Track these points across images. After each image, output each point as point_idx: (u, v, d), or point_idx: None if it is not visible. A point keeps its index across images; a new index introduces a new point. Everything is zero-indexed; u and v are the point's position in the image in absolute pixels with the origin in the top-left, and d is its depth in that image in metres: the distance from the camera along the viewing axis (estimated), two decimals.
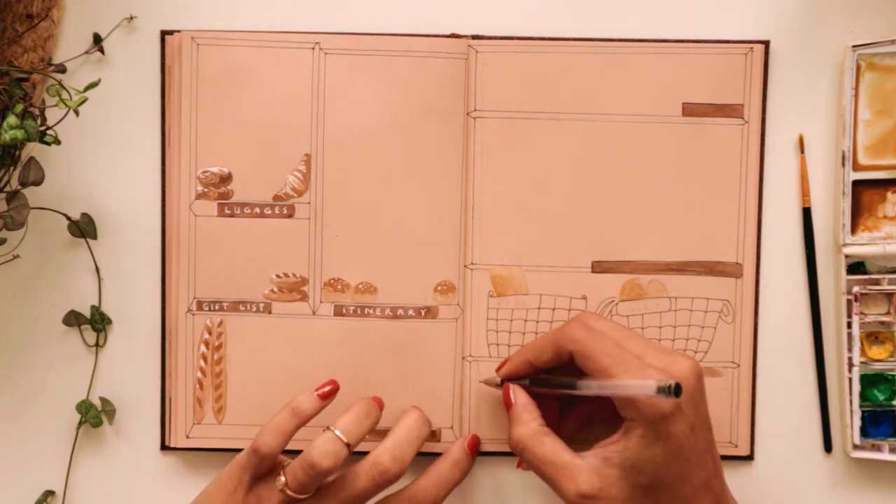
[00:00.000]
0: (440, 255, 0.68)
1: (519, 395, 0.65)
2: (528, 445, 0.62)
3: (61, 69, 0.68)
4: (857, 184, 0.68)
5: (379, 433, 0.66)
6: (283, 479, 0.62)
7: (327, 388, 0.64)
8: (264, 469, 0.63)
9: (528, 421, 0.63)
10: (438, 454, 0.67)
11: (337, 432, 0.62)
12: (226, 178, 0.68)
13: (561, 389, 0.63)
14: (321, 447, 0.61)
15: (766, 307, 0.69)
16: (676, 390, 0.55)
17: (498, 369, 0.68)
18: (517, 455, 0.64)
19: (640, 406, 0.59)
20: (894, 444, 0.68)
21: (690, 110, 0.68)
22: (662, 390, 0.56)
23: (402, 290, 0.68)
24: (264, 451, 0.62)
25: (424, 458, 0.67)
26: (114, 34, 0.69)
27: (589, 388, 0.61)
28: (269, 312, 0.69)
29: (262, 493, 0.63)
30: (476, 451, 0.68)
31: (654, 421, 0.59)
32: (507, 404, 0.65)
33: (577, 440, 0.64)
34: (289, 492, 0.62)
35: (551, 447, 0.62)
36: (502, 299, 0.69)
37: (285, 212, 0.68)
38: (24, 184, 0.65)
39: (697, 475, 0.60)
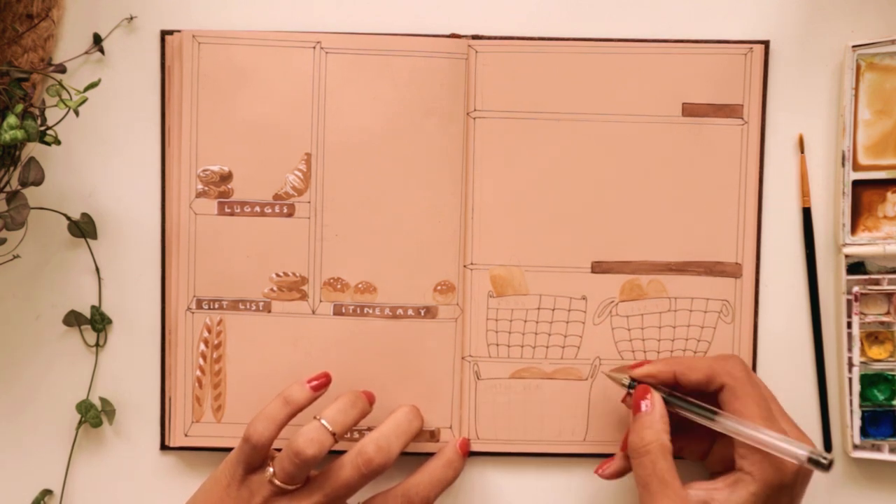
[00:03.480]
0: (440, 255, 0.68)
1: (658, 402, 0.63)
2: (652, 452, 0.61)
3: (61, 69, 0.68)
4: (857, 184, 0.68)
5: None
6: (271, 469, 0.63)
7: (319, 380, 0.65)
8: (257, 461, 0.63)
9: (661, 431, 0.62)
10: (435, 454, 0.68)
11: (323, 421, 0.62)
12: (226, 177, 0.68)
13: (696, 416, 0.63)
14: (306, 435, 0.62)
15: (766, 307, 0.69)
16: (829, 465, 0.55)
17: (633, 367, 0.66)
18: (633, 455, 0.62)
19: (766, 465, 0.59)
20: (894, 444, 0.68)
21: (690, 110, 0.68)
22: (814, 462, 0.56)
23: (402, 289, 0.68)
24: (255, 439, 0.62)
25: (421, 458, 0.68)
26: (114, 34, 0.69)
27: (731, 427, 0.61)
28: (269, 311, 0.69)
29: (254, 486, 0.63)
30: (468, 453, 0.69)
31: (772, 485, 0.60)
32: (638, 405, 0.63)
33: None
34: (277, 482, 0.62)
35: (671, 465, 0.61)
36: (502, 299, 0.69)
37: (285, 211, 0.68)
38: (24, 184, 0.66)
39: None
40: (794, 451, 0.58)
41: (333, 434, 0.62)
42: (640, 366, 0.66)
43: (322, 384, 0.65)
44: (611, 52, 0.68)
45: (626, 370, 0.66)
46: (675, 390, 0.64)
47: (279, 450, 0.64)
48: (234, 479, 0.63)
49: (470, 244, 0.69)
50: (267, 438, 0.63)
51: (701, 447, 0.66)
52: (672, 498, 0.60)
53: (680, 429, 0.64)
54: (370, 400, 0.67)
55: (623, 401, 0.66)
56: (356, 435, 0.68)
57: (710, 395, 0.63)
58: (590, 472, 0.67)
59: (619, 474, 0.66)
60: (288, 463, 0.62)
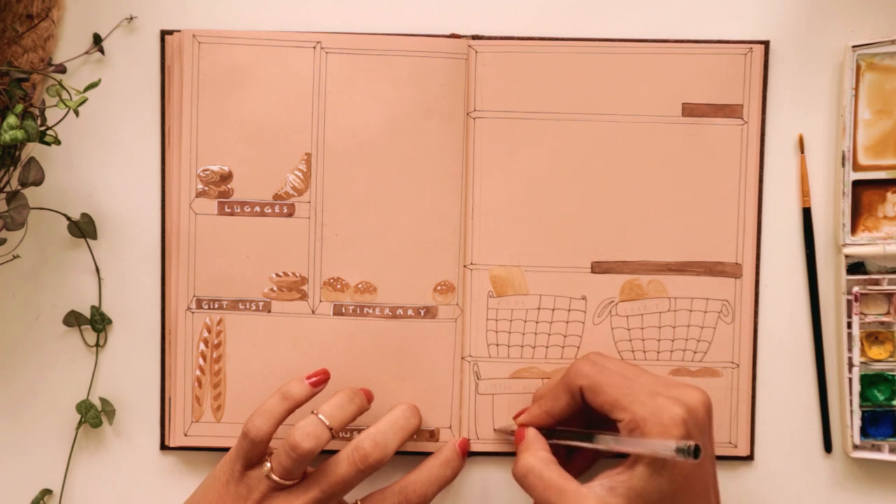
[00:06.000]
0: (440, 255, 0.68)
1: (530, 431, 0.65)
2: (534, 468, 0.61)
3: (61, 69, 0.68)
4: (857, 184, 0.68)
5: None
6: (268, 465, 0.63)
7: (318, 377, 0.65)
8: (255, 456, 0.63)
9: (537, 450, 0.63)
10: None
11: (320, 416, 0.63)
12: (226, 177, 0.68)
13: (579, 442, 0.63)
14: (303, 429, 0.62)
15: (766, 307, 0.69)
16: (696, 451, 0.55)
17: (515, 417, 0.68)
18: (521, 483, 0.62)
19: (648, 436, 0.59)
20: (894, 444, 0.68)
21: (690, 110, 0.68)
22: (682, 451, 0.55)
23: (402, 289, 0.68)
24: (253, 434, 0.62)
25: (421, 457, 0.68)
26: (114, 34, 0.69)
27: (606, 442, 0.61)
28: (269, 311, 0.69)
29: (252, 482, 0.63)
30: (467, 453, 0.69)
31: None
32: (518, 439, 0.65)
33: (583, 478, 0.63)
34: (275, 477, 0.62)
35: (558, 472, 0.61)
36: (502, 299, 0.69)
37: (285, 211, 0.68)
38: (24, 184, 0.66)
39: None
40: (659, 447, 0.57)
41: (330, 429, 0.62)
42: (520, 414, 0.67)
43: (321, 380, 0.65)
44: (610, 52, 0.68)
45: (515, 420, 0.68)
46: (564, 422, 0.65)
47: None
48: (232, 475, 0.63)
49: (470, 244, 0.69)
50: (265, 433, 0.63)
51: (608, 451, 0.66)
52: (573, 499, 0.59)
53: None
54: (368, 397, 0.67)
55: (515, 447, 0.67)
56: (354, 434, 0.68)
57: (595, 410, 0.63)
58: (590, 472, 0.67)
59: None
60: (285, 457, 0.62)
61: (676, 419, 0.59)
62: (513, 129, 0.68)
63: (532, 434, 0.65)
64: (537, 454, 0.63)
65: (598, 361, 0.63)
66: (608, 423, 0.62)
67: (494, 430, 0.70)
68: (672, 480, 0.59)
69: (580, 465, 0.68)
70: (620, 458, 0.61)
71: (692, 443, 0.55)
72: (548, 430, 0.65)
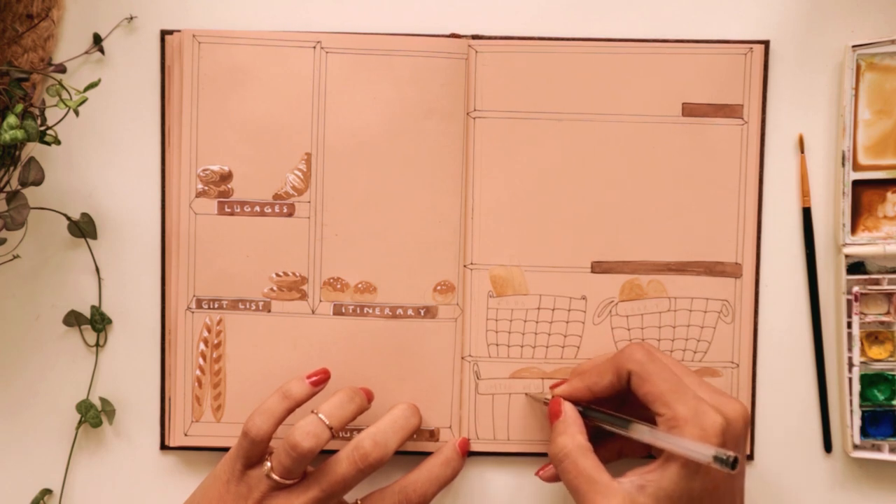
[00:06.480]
0: (440, 255, 0.68)
1: (569, 408, 0.64)
2: (571, 454, 0.62)
3: (61, 69, 0.68)
4: (857, 184, 0.68)
5: None
6: (269, 464, 0.63)
7: (318, 376, 0.65)
8: (255, 455, 0.63)
9: (575, 433, 0.63)
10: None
11: (320, 415, 0.63)
12: (226, 177, 0.68)
13: (612, 426, 0.63)
14: (303, 428, 0.62)
15: (766, 307, 0.69)
16: (734, 463, 0.55)
17: (553, 387, 0.68)
18: (556, 465, 0.63)
19: (685, 438, 0.59)
20: (894, 444, 0.68)
21: (690, 110, 0.68)
22: (720, 460, 0.55)
23: (402, 289, 0.68)
24: (254, 433, 0.62)
25: (421, 457, 0.68)
26: (114, 34, 0.69)
27: (642, 433, 0.61)
28: (269, 311, 0.69)
29: (252, 481, 0.63)
30: (467, 452, 0.69)
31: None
32: (555, 414, 0.65)
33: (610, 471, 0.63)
34: (275, 476, 0.62)
35: (593, 462, 0.61)
36: (502, 299, 0.69)
37: (285, 211, 0.68)
38: (24, 184, 0.66)
39: None
40: (697, 451, 0.57)
41: (330, 428, 0.62)
42: (558, 385, 0.67)
43: (321, 380, 0.65)
44: (611, 52, 0.68)
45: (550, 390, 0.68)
46: (596, 402, 0.65)
47: None
48: (233, 474, 0.63)
49: (470, 244, 0.69)
50: (265, 432, 0.63)
51: (634, 450, 0.66)
52: (603, 493, 0.59)
53: (604, 437, 0.65)
54: (368, 397, 0.67)
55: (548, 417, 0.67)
56: (354, 433, 0.68)
57: (634, 399, 0.63)
58: (556, 482, 0.67)
59: (557, 477, 0.65)
60: (285, 456, 0.62)
61: (717, 427, 0.59)
62: (513, 129, 0.68)
63: (571, 414, 0.64)
64: (575, 438, 0.62)
65: (651, 351, 0.63)
66: (638, 414, 0.62)
67: (526, 394, 0.69)
68: (702, 487, 0.59)
69: (603, 456, 0.67)
70: (644, 462, 0.61)
71: (732, 453, 0.55)
72: (583, 408, 0.65)
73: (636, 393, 0.62)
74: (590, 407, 0.65)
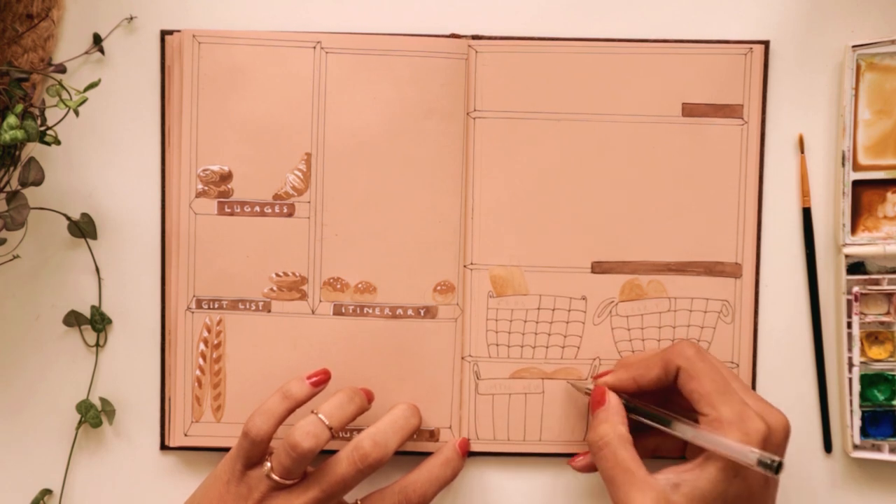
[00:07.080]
0: (440, 255, 0.68)
1: (613, 398, 0.64)
2: (611, 443, 0.62)
3: (61, 69, 0.68)
4: (857, 184, 0.68)
5: None
6: (269, 464, 0.63)
7: (318, 376, 0.65)
8: (256, 456, 0.63)
9: (617, 423, 0.63)
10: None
11: (320, 415, 0.63)
12: (226, 177, 0.68)
13: (654, 421, 0.63)
14: (303, 428, 0.62)
15: (766, 307, 0.69)
16: (778, 467, 0.55)
17: (597, 377, 0.68)
18: (594, 452, 0.63)
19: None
20: (894, 444, 0.68)
21: (690, 110, 0.68)
22: (764, 464, 0.55)
23: (402, 289, 0.68)
24: (254, 433, 0.62)
25: (421, 457, 0.68)
26: (114, 34, 0.69)
27: (684, 431, 0.61)
28: (269, 311, 0.69)
29: (252, 482, 0.63)
30: (467, 453, 0.69)
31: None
32: (598, 403, 0.64)
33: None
34: (275, 476, 0.62)
35: (632, 454, 0.61)
36: (502, 299, 0.69)
37: (285, 211, 0.68)
38: (24, 184, 0.66)
39: None
40: (740, 453, 0.57)
41: (330, 428, 0.62)
42: (602, 376, 0.67)
43: (321, 380, 0.65)
44: (611, 52, 0.68)
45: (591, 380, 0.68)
46: (641, 395, 0.65)
47: None
48: (233, 475, 0.63)
49: (470, 244, 0.69)
50: (265, 433, 0.63)
51: (676, 442, 0.66)
52: (639, 486, 0.59)
53: (655, 428, 0.64)
54: (368, 397, 0.67)
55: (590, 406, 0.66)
56: (354, 433, 0.68)
57: (676, 390, 0.63)
58: (590, 472, 0.67)
59: (591, 468, 0.65)
60: (285, 457, 0.62)
61: (760, 433, 0.59)
62: (513, 129, 0.68)
63: (615, 403, 0.64)
64: (617, 428, 0.62)
65: (701, 350, 0.63)
66: (680, 412, 0.62)
67: (568, 381, 0.69)
68: (737, 492, 0.59)
69: (641, 451, 0.66)
70: (678, 463, 0.61)
71: (777, 458, 0.55)
72: (626, 400, 0.64)
73: (682, 389, 0.62)
74: (632, 401, 0.65)
